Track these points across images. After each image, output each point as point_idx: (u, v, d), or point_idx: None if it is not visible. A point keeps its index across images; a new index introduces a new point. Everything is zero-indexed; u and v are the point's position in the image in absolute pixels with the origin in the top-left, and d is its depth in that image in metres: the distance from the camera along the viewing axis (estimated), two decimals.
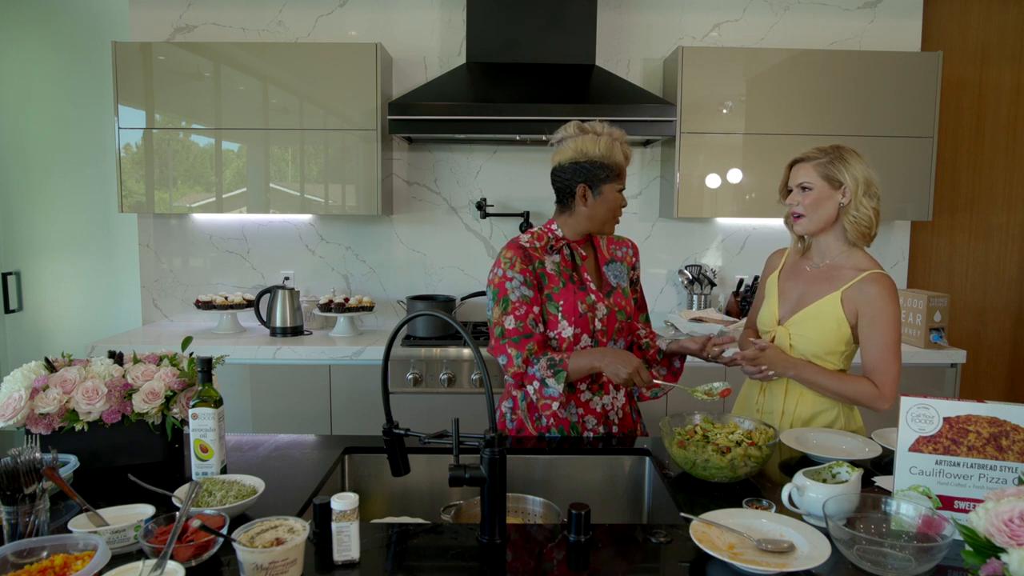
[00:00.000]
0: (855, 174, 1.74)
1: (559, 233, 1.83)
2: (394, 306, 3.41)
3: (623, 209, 1.82)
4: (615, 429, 1.87)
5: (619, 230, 1.89)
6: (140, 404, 1.49)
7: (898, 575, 1.09)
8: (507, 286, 1.73)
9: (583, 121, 1.80)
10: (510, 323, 1.72)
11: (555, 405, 1.71)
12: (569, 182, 1.77)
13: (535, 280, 1.76)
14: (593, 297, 1.80)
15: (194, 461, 1.42)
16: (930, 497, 1.26)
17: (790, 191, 1.84)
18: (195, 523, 1.12)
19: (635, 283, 1.96)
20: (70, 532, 1.14)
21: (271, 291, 3.12)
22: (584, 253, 1.86)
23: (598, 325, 1.79)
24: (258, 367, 2.89)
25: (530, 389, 1.73)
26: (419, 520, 1.43)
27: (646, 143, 3.35)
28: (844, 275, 1.78)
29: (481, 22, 3.06)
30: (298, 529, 1.12)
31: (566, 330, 1.76)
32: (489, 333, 1.79)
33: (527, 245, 1.79)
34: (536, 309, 1.74)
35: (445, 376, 2.85)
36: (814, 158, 1.78)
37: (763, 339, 1.90)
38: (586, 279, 1.82)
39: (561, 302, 1.76)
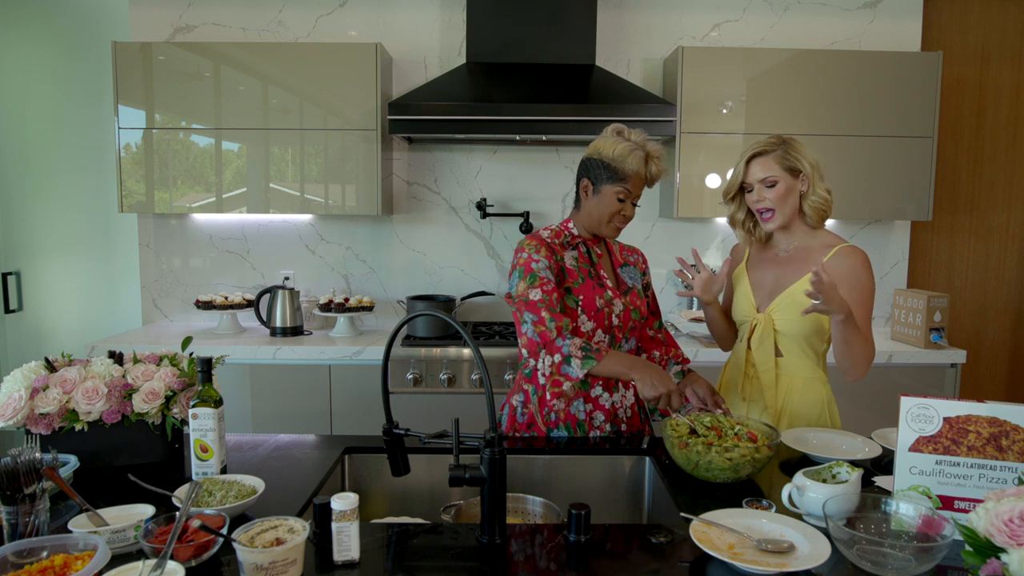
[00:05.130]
0: (809, 159, 1.78)
1: (574, 231, 1.87)
2: (394, 306, 3.41)
3: (627, 219, 1.80)
4: (623, 427, 1.87)
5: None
6: (140, 404, 1.49)
7: (898, 575, 1.09)
8: (534, 265, 1.74)
9: (626, 123, 1.83)
10: (536, 295, 1.71)
11: (566, 385, 1.68)
12: (579, 176, 1.84)
13: (556, 271, 1.78)
14: (610, 293, 1.83)
15: (194, 461, 1.42)
16: (930, 497, 1.26)
17: (745, 189, 1.84)
18: (195, 523, 1.12)
19: (647, 288, 1.98)
20: (70, 532, 1.14)
21: (271, 291, 3.12)
22: (599, 252, 1.89)
23: (615, 321, 1.82)
24: (258, 367, 2.89)
25: (547, 360, 1.68)
26: (419, 520, 1.43)
27: None
28: (816, 253, 1.81)
29: (481, 22, 3.06)
30: (298, 529, 1.12)
31: (585, 324, 1.78)
32: (510, 302, 1.76)
33: (548, 239, 1.83)
34: (557, 295, 1.74)
35: (445, 376, 2.85)
36: (772, 150, 1.78)
37: (741, 331, 1.93)
38: (603, 276, 1.86)
39: (581, 297, 1.78)
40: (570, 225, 1.87)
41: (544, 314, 1.69)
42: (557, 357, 1.67)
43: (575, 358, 1.65)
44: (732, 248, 2.06)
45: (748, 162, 1.82)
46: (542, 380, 1.72)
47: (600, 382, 1.83)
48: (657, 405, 1.66)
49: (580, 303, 1.78)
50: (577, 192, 1.85)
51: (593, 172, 1.79)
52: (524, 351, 1.73)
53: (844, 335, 1.67)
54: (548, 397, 1.71)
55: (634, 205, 1.80)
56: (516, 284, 1.75)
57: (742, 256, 1.99)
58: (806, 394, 1.85)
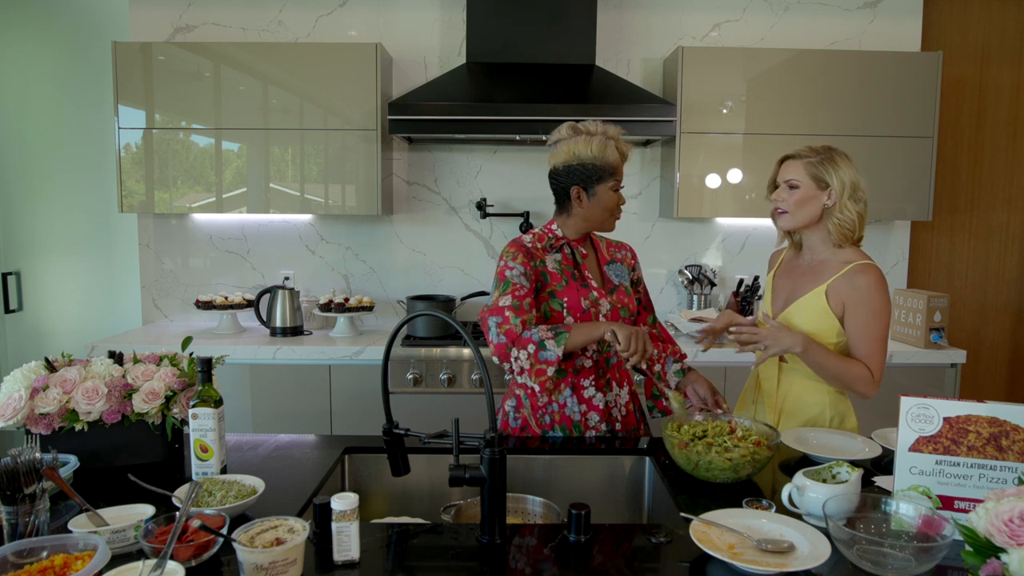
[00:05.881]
0: (842, 177, 1.75)
1: (559, 233, 1.87)
2: (394, 306, 3.41)
3: (622, 207, 1.84)
4: (618, 426, 1.87)
5: (620, 229, 1.90)
6: (140, 404, 1.49)
7: (898, 575, 1.09)
8: (507, 273, 1.77)
9: (577, 121, 1.82)
10: (507, 301, 1.73)
11: (550, 371, 1.67)
12: (564, 185, 1.82)
13: (535, 276, 1.79)
14: (595, 294, 1.83)
15: (194, 461, 1.42)
16: (930, 497, 1.26)
17: (776, 186, 1.86)
18: (195, 523, 1.12)
19: (637, 284, 1.99)
20: (70, 532, 1.14)
21: (271, 291, 3.12)
22: (584, 252, 1.89)
23: (602, 320, 1.81)
24: (258, 367, 2.89)
25: (522, 354, 1.67)
26: (419, 520, 1.43)
27: (646, 143, 3.35)
28: (831, 268, 1.80)
29: (481, 22, 3.05)
30: (298, 529, 1.12)
31: None
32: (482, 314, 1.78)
33: (529, 245, 1.83)
34: (530, 300, 1.75)
35: (445, 376, 2.85)
36: (805, 156, 1.80)
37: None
38: (587, 277, 1.85)
39: (565, 299, 1.79)
40: (554, 227, 1.87)
41: (508, 314, 1.71)
42: (531, 347, 1.67)
43: (548, 340, 1.67)
44: (770, 256, 2.07)
45: (781, 162, 1.86)
46: (520, 379, 1.69)
47: (593, 383, 1.83)
48: (630, 356, 1.63)
49: (565, 305, 1.79)
50: (565, 200, 1.83)
51: (581, 177, 1.78)
52: (495, 359, 1.73)
53: (813, 364, 1.74)
54: (538, 391, 1.70)
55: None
56: (492, 293, 1.79)
57: (775, 264, 2.01)
58: (804, 397, 1.85)
